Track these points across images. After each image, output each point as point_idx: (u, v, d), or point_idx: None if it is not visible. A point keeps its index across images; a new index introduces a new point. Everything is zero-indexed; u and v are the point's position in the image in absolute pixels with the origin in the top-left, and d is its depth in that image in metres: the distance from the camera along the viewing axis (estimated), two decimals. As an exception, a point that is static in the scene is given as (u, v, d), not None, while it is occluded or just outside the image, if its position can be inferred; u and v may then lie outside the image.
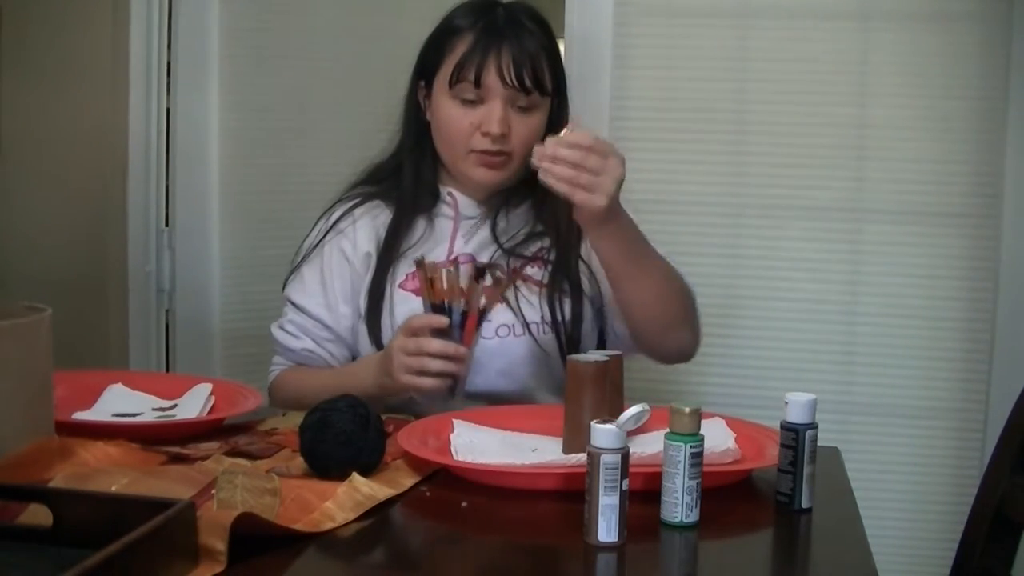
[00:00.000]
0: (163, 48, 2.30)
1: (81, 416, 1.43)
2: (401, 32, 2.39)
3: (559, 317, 1.62)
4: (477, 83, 1.59)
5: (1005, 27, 2.12)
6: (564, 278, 1.64)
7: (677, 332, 1.62)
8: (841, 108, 2.19)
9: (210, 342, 2.38)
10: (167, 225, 2.35)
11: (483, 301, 1.58)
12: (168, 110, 2.32)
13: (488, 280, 1.61)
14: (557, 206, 1.61)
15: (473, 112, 1.61)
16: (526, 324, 1.61)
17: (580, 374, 1.31)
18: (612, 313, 1.64)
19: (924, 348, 2.20)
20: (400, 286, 1.64)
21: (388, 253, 1.66)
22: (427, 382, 1.47)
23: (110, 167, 2.30)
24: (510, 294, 1.63)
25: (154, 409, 1.50)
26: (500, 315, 1.61)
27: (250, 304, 2.35)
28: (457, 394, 1.55)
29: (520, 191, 1.69)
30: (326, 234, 1.72)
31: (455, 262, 1.62)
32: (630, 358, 1.57)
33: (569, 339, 1.62)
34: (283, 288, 1.75)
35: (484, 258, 1.65)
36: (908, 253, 2.19)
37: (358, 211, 1.72)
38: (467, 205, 1.69)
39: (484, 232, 1.68)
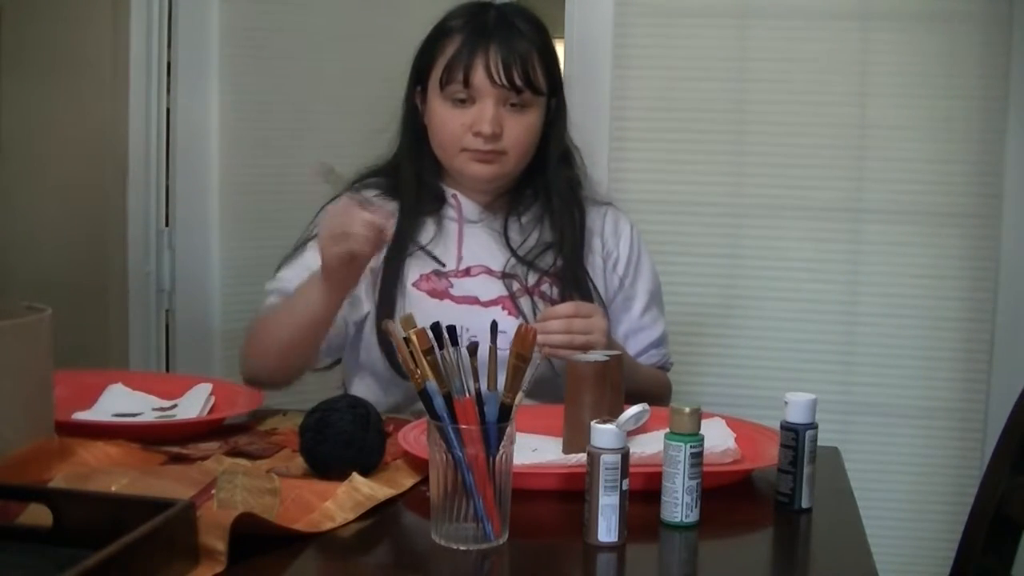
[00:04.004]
0: (163, 48, 2.30)
1: (81, 416, 1.42)
2: (401, 33, 2.39)
3: None
4: (466, 83, 1.58)
5: (1005, 27, 2.12)
6: (577, 296, 1.62)
7: None
8: (841, 108, 2.20)
9: (210, 342, 2.38)
10: (167, 225, 2.35)
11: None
12: (168, 110, 2.32)
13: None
14: (564, 213, 1.64)
15: (465, 112, 1.60)
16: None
17: (580, 374, 1.31)
18: None
19: (924, 348, 2.20)
20: (414, 285, 1.62)
21: (398, 253, 1.62)
22: (356, 233, 1.39)
23: (110, 167, 2.30)
24: (526, 306, 1.61)
25: (154, 409, 1.49)
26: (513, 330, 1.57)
27: (250, 304, 2.32)
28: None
29: (525, 197, 1.68)
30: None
31: (467, 272, 1.62)
32: None
33: None
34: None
35: (495, 267, 1.64)
36: (908, 253, 2.19)
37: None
38: (470, 208, 1.68)
39: (493, 239, 1.67)
